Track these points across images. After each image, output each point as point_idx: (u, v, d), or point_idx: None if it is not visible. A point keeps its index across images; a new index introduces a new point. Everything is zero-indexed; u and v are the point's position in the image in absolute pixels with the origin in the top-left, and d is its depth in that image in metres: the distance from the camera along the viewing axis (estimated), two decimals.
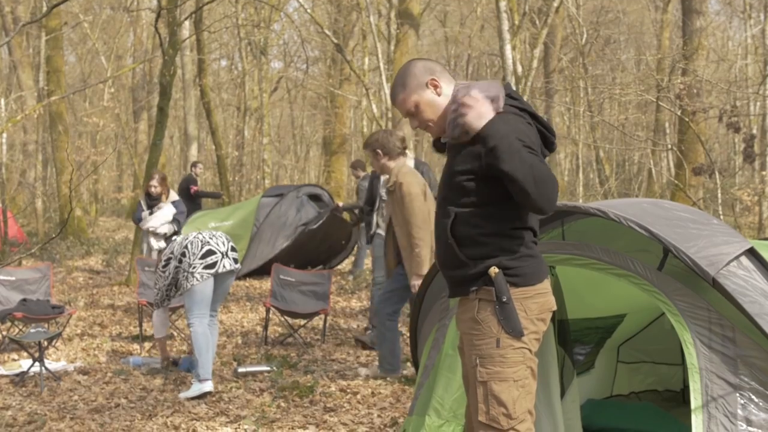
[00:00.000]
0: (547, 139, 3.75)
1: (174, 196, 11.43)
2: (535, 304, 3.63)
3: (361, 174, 14.10)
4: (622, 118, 25.09)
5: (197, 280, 7.36)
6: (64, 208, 20.91)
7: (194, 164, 18.09)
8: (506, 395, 3.59)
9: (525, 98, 15.43)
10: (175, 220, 11.16)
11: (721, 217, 14.99)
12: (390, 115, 20.05)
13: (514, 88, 3.81)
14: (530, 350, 3.64)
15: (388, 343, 7.69)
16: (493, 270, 3.58)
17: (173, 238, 8.77)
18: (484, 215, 3.60)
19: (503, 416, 3.59)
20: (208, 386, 7.26)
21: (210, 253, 7.43)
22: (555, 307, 3.75)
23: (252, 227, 14.40)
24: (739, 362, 3.83)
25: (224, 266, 7.45)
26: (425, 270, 6.80)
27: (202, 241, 7.48)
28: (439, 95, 3.76)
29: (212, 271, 7.39)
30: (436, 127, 3.78)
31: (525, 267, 3.62)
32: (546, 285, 3.70)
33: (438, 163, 26.52)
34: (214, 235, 7.62)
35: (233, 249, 7.68)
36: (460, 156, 3.63)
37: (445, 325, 4.78)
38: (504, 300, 3.58)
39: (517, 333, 3.58)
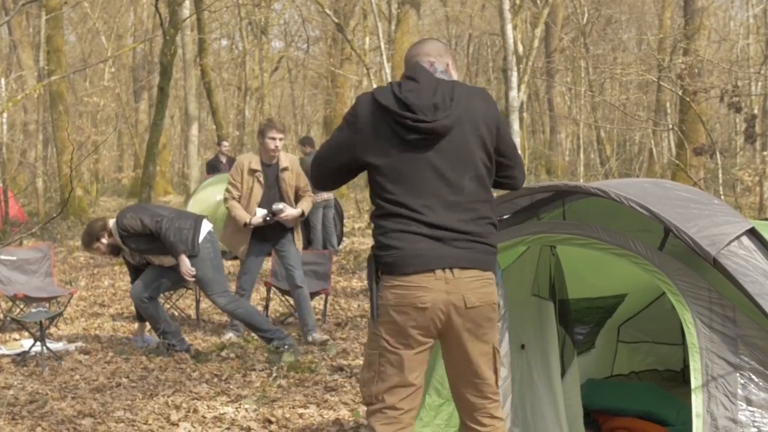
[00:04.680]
0: (404, 123, 3.61)
1: None
2: (392, 294, 3.58)
3: (308, 150, 14.39)
4: (623, 98, 25.10)
5: None
6: (64, 188, 20.88)
7: (220, 143, 18.19)
8: (363, 373, 3.74)
9: (526, 78, 15.46)
10: None
11: (722, 197, 14.99)
12: None
13: (422, 69, 3.76)
14: (386, 340, 3.63)
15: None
16: (370, 254, 3.69)
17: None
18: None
19: (362, 390, 3.78)
20: None
21: None
22: (425, 305, 3.55)
23: None
24: (740, 342, 3.84)
25: None
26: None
27: None
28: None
29: None
30: None
31: (386, 256, 3.60)
32: (415, 279, 3.55)
33: None
34: None
35: None
36: None
37: None
38: (368, 283, 3.68)
39: (373, 317, 3.65)
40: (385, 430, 3.67)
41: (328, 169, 3.81)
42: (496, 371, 3.73)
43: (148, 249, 7.91)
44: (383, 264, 3.61)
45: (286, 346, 7.93)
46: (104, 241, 7.94)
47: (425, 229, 3.56)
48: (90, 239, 7.97)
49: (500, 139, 3.74)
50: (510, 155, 3.81)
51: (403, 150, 3.60)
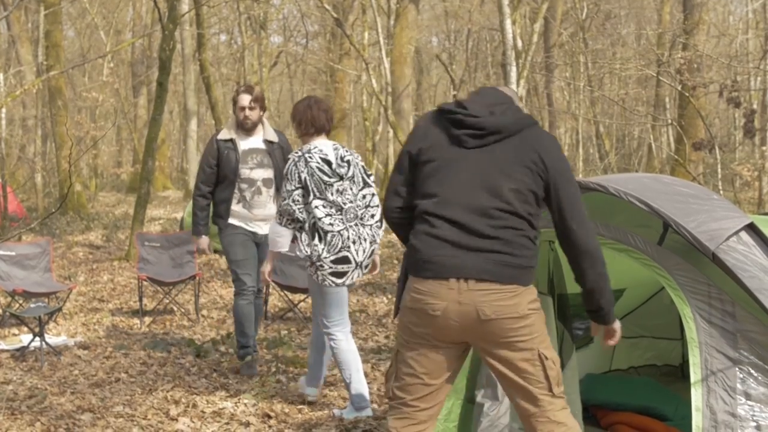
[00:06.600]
0: (454, 120, 3.65)
1: None
2: (410, 297, 3.60)
3: None
4: (622, 93, 25.05)
5: (328, 283, 5.80)
6: (63, 183, 20.87)
7: None
8: (388, 367, 3.81)
9: (525, 73, 15.47)
10: None
11: (721, 192, 14.96)
12: (390, 89, 19.99)
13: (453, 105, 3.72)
14: (405, 339, 3.65)
15: None
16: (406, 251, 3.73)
17: None
18: None
19: (385, 383, 3.94)
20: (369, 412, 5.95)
21: (344, 261, 5.75)
22: (436, 313, 3.51)
23: None
24: (739, 337, 3.84)
25: (352, 279, 5.85)
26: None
27: (342, 241, 5.75)
28: None
29: (340, 281, 5.77)
30: None
31: (409, 255, 3.64)
32: (430, 285, 3.53)
33: None
34: (359, 237, 5.84)
35: (370, 254, 5.95)
36: None
37: None
38: (400, 276, 3.75)
39: (395, 314, 3.74)
40: (398, 425, 3.69)
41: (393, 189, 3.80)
42: (547, 376, 3.55)
43: (271, 179, 7.17)
44: (409, 264, 3.63)
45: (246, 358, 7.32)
46: (260, 113, 7.17)
47: (449, 233, 3.52)
48: (259, 98, 7.12)
49: (553, 186, 3.57)
50: (563, 207, 3.60)
51: (451, 148, 3.59)
